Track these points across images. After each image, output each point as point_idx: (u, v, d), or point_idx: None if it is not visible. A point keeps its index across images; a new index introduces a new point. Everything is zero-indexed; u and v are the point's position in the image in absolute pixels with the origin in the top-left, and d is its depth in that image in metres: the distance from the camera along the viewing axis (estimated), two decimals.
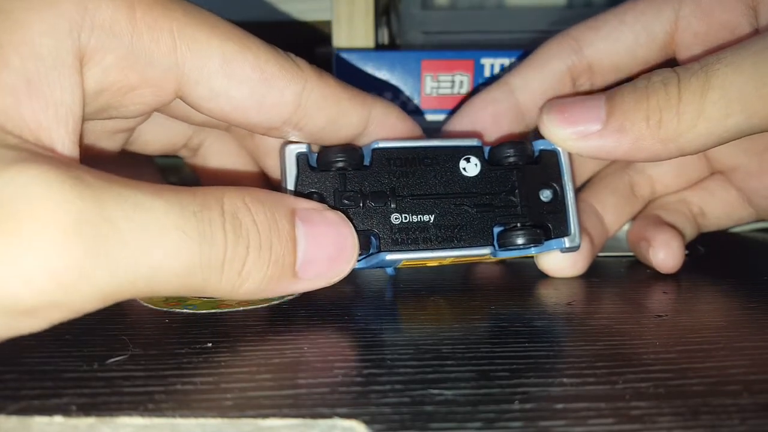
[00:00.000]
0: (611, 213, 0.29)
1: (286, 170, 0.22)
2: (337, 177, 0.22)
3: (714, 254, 0.30)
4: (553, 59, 0.26)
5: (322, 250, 0.20)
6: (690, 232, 0.29)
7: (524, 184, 0.24)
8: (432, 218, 0.22)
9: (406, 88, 0.34)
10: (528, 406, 0.16)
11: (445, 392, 0.16)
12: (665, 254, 0.26)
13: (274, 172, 0.26)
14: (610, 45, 0.26)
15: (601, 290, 0.25)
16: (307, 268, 0.20)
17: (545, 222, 0.24)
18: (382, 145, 0.23)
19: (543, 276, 0.27)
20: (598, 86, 0.27)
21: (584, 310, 0.23)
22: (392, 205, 0.22)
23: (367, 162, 0.23)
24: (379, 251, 0.22)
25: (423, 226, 0.22)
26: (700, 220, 0.30)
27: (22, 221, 0.15)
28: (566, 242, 0.24)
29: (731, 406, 0.16)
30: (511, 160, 0.24)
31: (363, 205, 0.22)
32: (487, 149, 0.24)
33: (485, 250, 0.23)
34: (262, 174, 0.27)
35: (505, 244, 0.23)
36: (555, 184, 0.24)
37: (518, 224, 0.23)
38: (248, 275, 0.18)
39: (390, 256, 0.22)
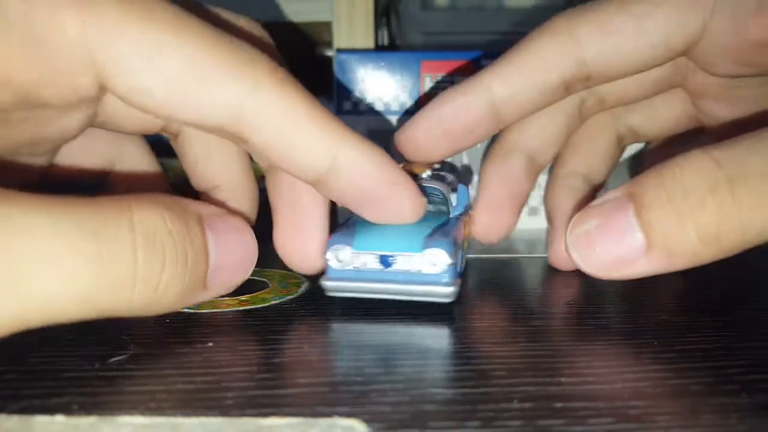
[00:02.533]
0: (603, 175, 0.28)
1: None
2: None
3: None
4: (549, 71, 0.23)
5: (230, 257, 0.19)
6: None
7: None
8: None
9: (406, 89, 0.34)
10: (527, 405, 0.16)
11: (445, 391, 0.16)
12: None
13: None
14: (621, 57, 0.22)
15: (600, 290, 0.25)
16: (216, 275, 0.19)
17: None
18: None
19: (542, 275, 0.27)
20: (590, 88, 0.24)
21: (583, 310, 0.23)
22: None
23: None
24: None
25: None
26: (625, 141, 0.29)
27: None
28: None
29: (729, 405, 0.16)
30: None
31: None
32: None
33: None
34: (243, 160, 0.25)
35: None
36: None
37: None
38: (166, 290, 0.17)
39: None
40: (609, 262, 0.20)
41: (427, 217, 0.24)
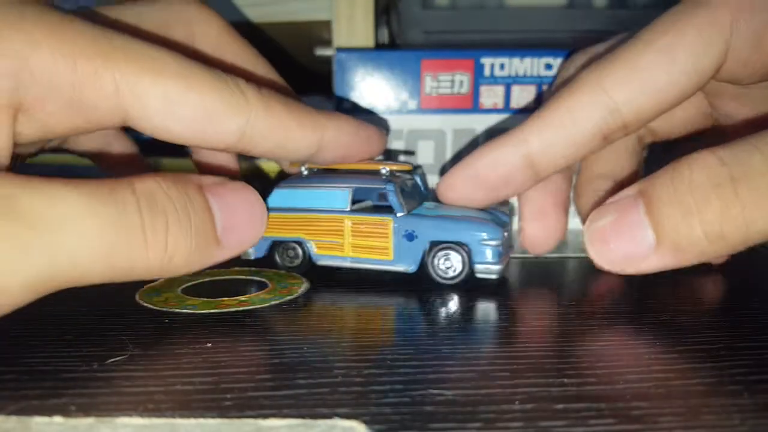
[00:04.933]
0: (628, 172, 0.28)
1: None
2: None
3: None
4: (582, 121, 0.23)
5: (237, 216, 0.21)
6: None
7: None
8: None
9: (406, 88, 0.34)
10: (528, 406, 0.16)
11: (445, 392, 0.16)
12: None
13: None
14: (656, 94, 0.22)
15: (601, 290, 0.25)
16: (229, 234, 0.21)
17: None
18: None
19: (542, 276, 0.27)
20: (630, 134, 0.24)
21: (584, 310, 0.23)
22: None
23: None
24: None
25: None
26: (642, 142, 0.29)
27: None
28: None
29: (731, 406, 0.16)
30: None
31: None
32: None
33: None
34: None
35: None
36: None
37: None
38: (175, 248, 0.19)
39: None
40: (621, 257, 0.21)
41: (426, 203, 0.27)
